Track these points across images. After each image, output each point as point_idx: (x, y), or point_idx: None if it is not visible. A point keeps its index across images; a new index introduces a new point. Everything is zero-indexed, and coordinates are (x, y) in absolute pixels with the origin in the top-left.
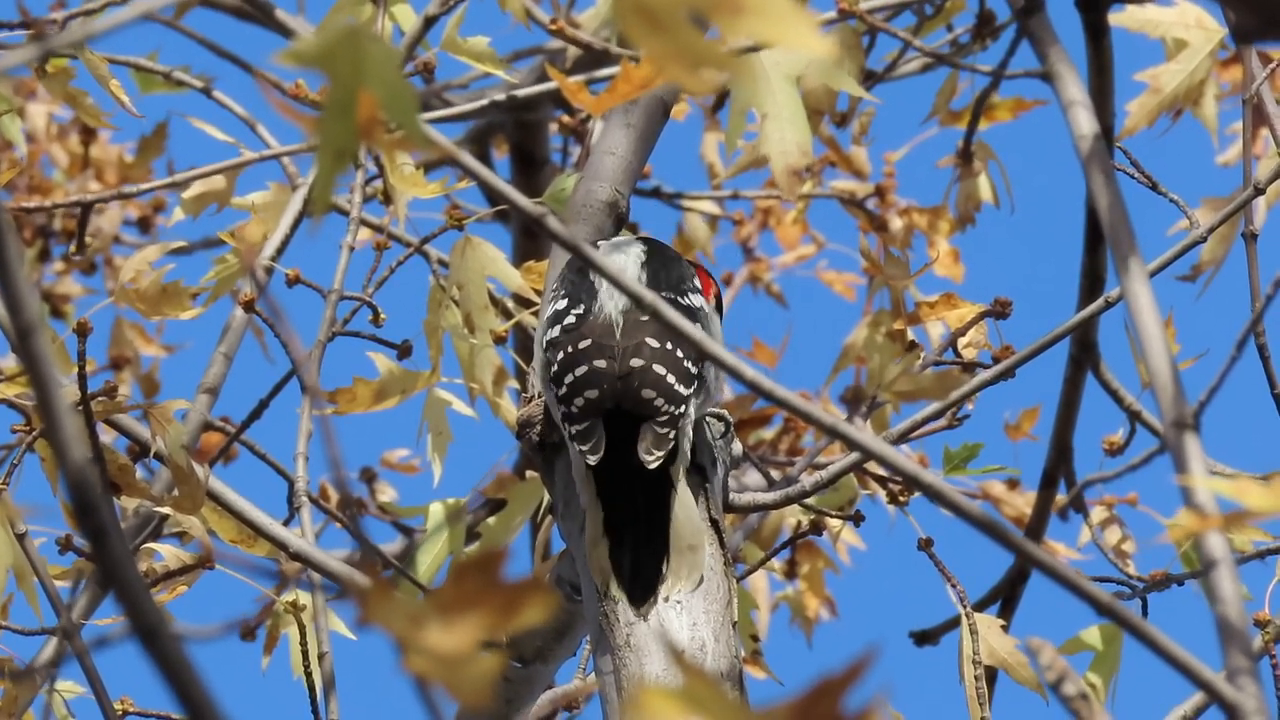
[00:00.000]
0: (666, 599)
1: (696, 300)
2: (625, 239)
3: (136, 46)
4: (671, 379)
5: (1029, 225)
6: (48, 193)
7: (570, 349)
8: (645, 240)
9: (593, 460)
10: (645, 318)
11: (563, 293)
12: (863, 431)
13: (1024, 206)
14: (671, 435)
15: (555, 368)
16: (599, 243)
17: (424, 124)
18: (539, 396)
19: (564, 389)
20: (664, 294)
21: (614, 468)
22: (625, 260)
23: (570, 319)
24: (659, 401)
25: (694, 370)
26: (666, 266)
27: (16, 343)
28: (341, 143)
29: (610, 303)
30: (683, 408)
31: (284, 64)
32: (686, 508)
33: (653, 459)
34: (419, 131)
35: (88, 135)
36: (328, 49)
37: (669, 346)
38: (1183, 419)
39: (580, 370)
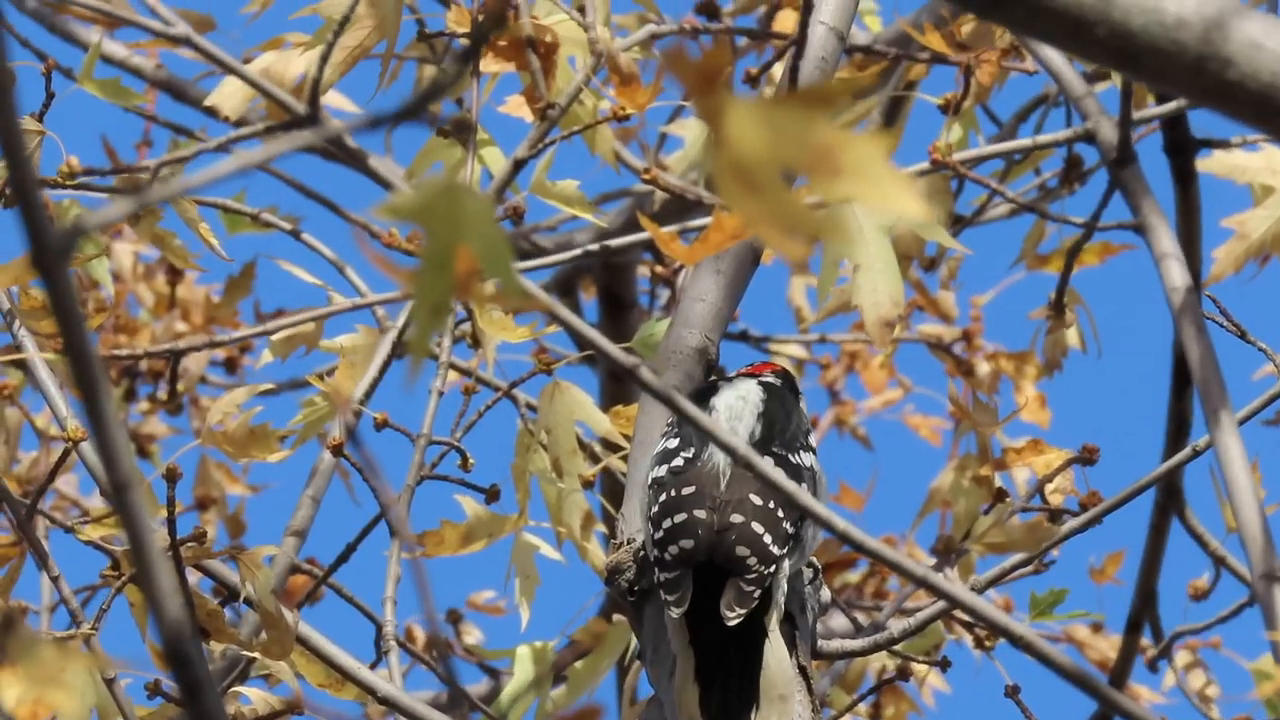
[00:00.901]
0: None
1: (807, 459)
2: (746, 377)
3: (223, 187)
4: (768, 539)
5: (1115, 368)
6: (134, 332)
7: (674, 492)
8: (767, 386)
9: (675, 613)
10: None
11: (675, 431)
12: (950, 581)
13: (1110, 350)
14: (756, 594)
15: (656, 508)
16: (720, 382)
17: (520, 277)
18: (628, 542)
19: (661, 533)
20: (774, 448)
21: (704, 616)
22: (743, 408)
23: (679, 461)
24: (751, 560)
25: (791, 530)
26: (786, 417)
27: (113, 497)
28: (438, 297)
29: (720, 452)
30: (773, 567)
31: (382, 217)
32: (779, 657)
33: (734, 615)
34: (516, 286)
35: (174, 275)
36: (425, 203)
37: (770, 505)
38: (1272, 572)
39: (679, 517)
